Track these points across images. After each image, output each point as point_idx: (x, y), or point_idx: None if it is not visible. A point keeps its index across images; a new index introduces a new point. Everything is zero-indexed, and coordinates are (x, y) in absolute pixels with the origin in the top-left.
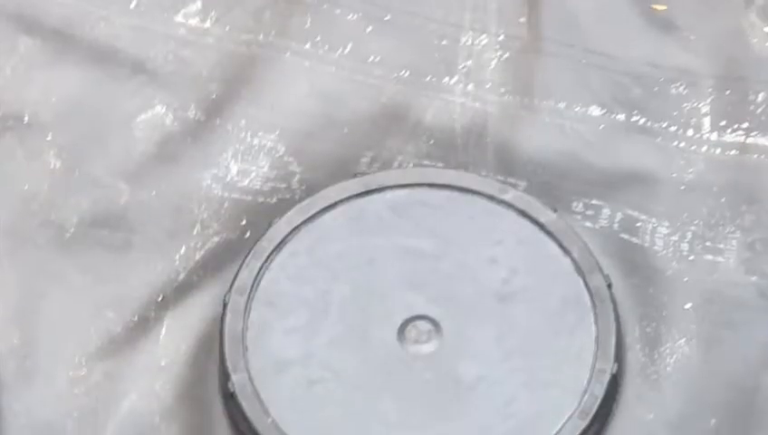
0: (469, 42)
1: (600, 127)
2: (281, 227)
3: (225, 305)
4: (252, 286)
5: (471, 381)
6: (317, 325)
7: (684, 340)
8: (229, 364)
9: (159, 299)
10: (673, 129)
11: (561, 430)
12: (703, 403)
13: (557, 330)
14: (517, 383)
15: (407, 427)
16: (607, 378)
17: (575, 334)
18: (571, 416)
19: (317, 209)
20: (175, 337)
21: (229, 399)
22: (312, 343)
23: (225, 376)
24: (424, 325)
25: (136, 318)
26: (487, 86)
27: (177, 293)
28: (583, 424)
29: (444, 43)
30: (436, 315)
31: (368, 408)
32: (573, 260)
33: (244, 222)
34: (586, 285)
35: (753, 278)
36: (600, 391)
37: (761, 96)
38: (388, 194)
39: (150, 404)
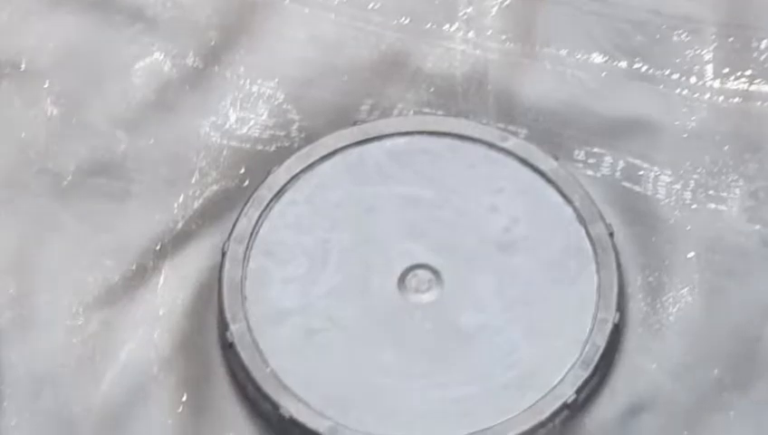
0: None
1: (602, 74)
2: (279, 175)
3: (223, 254)
4: (251, 235)
5: (471, 331)
6: (316, 274)
7: (686, 289)
8: (228, 314)
9: (157, 248)
10: (675, 76)
11: (562, 379)
12: (705, 353)
13: (558, 279)
14: (518, 333)
15: (407, 376)
16: (609, 328)
17: (576, 284)
18: (573, 366)
19: (316, 157)
20: (173, 286)
21: (228, 349)
22: (311, 292)
23: (223, 326)
24: (424, 274)
25: (134, 267)
26: (488, 33)
27: (176, 242)
28: (585, 374)
29: None
30: (436, 264)
31: (368, 357)
32: (575, 209)
33: (242, 170)
34: (587, 233)
35: (757, 227)
36: (601, 340)
37: (764, 43)
38: (388, 142)
39: (148, 354)
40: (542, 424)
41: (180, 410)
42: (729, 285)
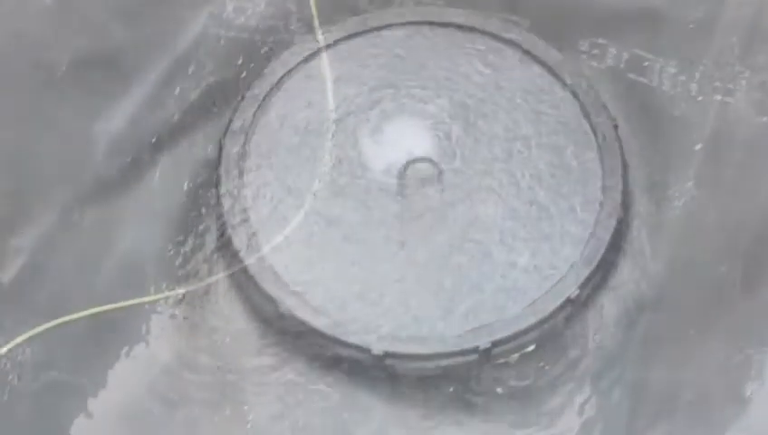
0: None
1: None
2: (277, 67)
3: (220, 148)
4: (248, 128)
5: (473, 227)
6: (314, 169)
7: (692, 183)
8: (225, 208)
9: (153, 141)
10: None
11: (564, 276)
12: (712, 249)
13: (561, 174)
14: (521, 229)
15: (408, 276)
16: (612, 223)
17: (580, 179)
18: (576, 262)
19: (314, 49)
20: (169, 180)
21: (225, 243)
22: (310, 188)
23: (220, 221)
24: (425, 169)
25: (129, 160)
26: None
27: (172, 134)
28: (588, 270)
29: None
30: (437, 158)
31: (367, 256)
32: (579, 101)
33: (239, 61)
34: (592, 126)
35: (765, 119)
36: (605, 237)
37: None
38: (388, 33)
39: (144, 248)
40: (545, 320)
41: (178, 308)
42: (736, 179)
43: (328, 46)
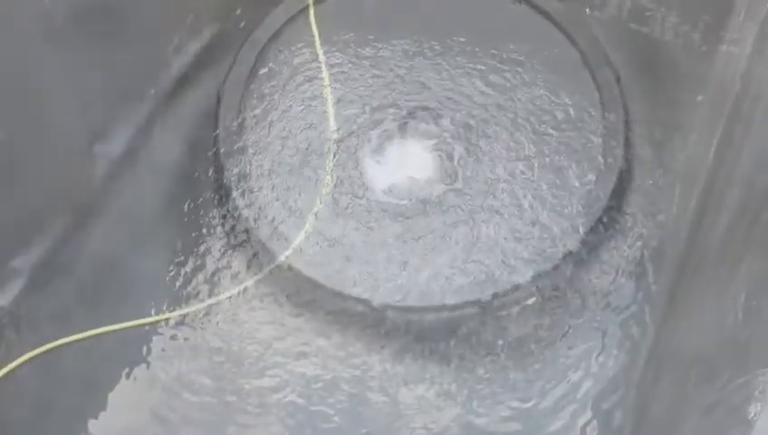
0: None
1: None
2: (277, 16)
3: (219, 99)
4: (246, 79)
5: (474, 184)
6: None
7: (695, 135)
8: (224, 160)
9: (152, 93)
10: None
11: (566, 229)
12: (714, 202)
13: (563, 127)
14: (522, 183)
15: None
16: (614, 177)
17: (582, 132)
18: (578, 216)
19: None
20: (168, 132)
21: (223, 196)
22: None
23: (219, 173)
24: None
25: (128, 112)
26: None
27: (170, 86)
28: (589, 224)
29: None
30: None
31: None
32: (581, 52)
33: (238, 11)
34: (594, 78)
35: None
36: (606, 190)
37: None
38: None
39: (143, 201)
40: (547, 274)
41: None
42: (740, 132)
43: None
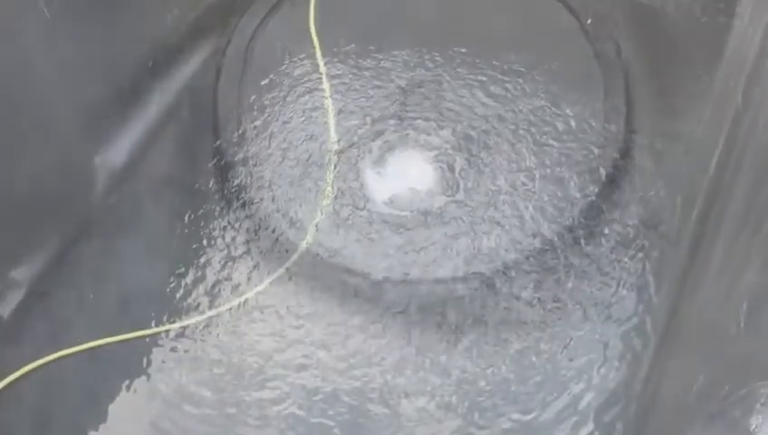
0: None
1: None
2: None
3: (218, 71)
4: (246, 51)
5: (474, 161)
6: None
7: (697, 109)
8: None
9: (150, 64)
10: None
11: (567, 205)
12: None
13: (565, 101)
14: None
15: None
16: (615, 151)
17: (584, 105)
18: (578, 190)
19: None
20: (166, 104)
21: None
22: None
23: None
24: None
25: (127, 84)
26: None
27: (169, 57)
28: (590, 199)
29: None
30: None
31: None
32: (582, 25)
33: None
34: (595, 52)
35: None
36: (608, 165)
37: None
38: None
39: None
40: (545, 250)
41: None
42: (742, 104)
43: (330, 73)
